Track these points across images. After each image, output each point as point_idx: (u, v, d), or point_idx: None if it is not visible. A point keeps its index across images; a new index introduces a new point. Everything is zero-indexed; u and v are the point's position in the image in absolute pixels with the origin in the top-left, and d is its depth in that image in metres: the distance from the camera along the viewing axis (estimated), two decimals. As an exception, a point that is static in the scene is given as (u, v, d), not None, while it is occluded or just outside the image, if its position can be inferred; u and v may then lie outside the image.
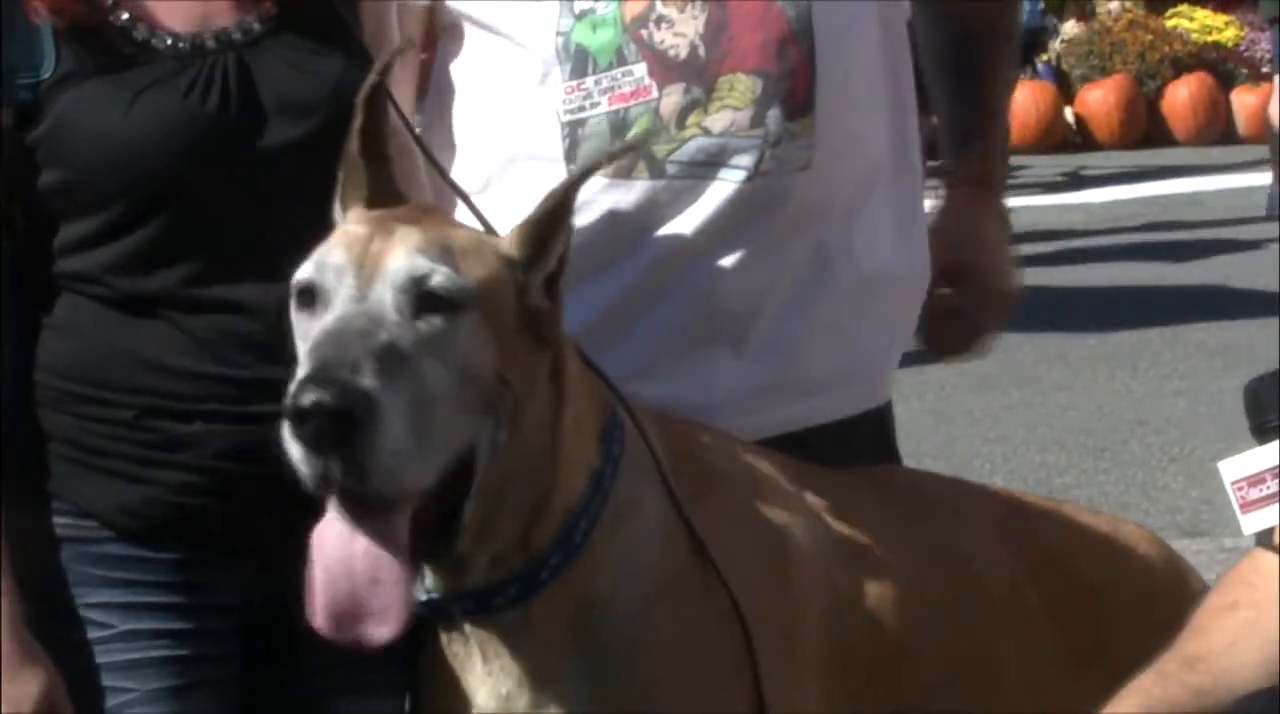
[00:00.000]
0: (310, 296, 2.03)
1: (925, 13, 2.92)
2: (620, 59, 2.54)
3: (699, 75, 2.53)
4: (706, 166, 2.53)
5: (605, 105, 2.54)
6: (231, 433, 2.22)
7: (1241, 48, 16.48)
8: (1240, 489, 1.95)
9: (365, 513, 1.98)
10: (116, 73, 2.22)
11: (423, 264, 2.01)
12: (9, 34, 2.21)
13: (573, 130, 2.55)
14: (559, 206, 2.13)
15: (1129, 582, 2.60)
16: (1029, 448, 6.03)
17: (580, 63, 2.55)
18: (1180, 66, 15.92)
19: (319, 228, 2.20)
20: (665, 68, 2.54)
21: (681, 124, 2.53)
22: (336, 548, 1.98)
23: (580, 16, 2.56)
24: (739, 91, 2.54)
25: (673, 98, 2.53)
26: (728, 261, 2.53)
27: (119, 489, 2.23)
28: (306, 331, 2.03)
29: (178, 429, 2.22)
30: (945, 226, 2.86)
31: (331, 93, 2.26)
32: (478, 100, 2.63)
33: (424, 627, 2.21)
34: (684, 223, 2.53)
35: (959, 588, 2.46)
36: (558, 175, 2.42)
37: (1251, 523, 1.95)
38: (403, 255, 2.01)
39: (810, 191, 2.55)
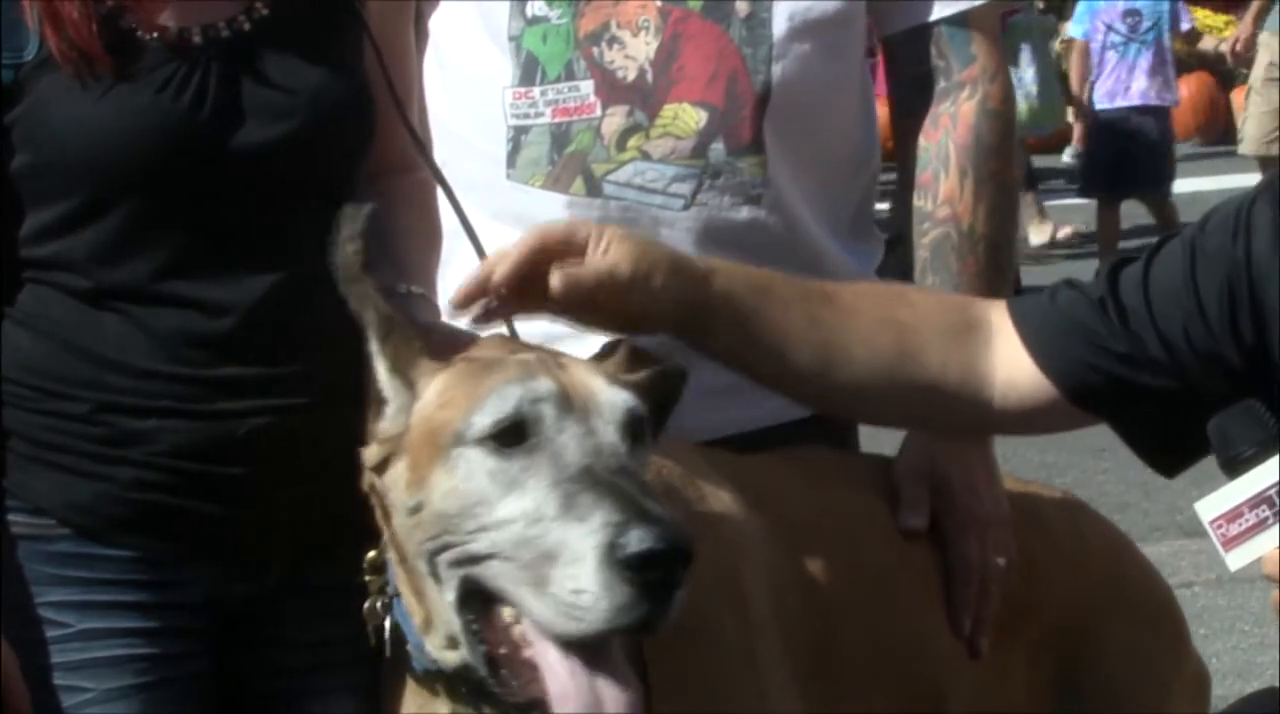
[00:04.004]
0: (515, 434, 1.96)
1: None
2: (569, 73, 2.57)
3: (644, 100, 2.55)
4: (642, 190, 2.54)
5: (549, 117, 2.57)
6: (187, 430, 2.20)
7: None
8: (1220, 526, 1.90)
9: (611, 648, 1.94)
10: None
11: (630, 397, 2.01)
12: None
13: (516, 136, 2.58)
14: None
15: (1048, 544, 2.61)
16: (1029, 447, 5.97)
17: (530, 71, 2.57)
18: (1180, 66, 15.84)
19: (288, 231, 2.20)
20: (611, 88, 2.56)
21: (621, 146, 2.55)
22: (592, 688, 1.92)
23: (532, 22, 2.58)
24: (682, 121, 2.56)
25: (615, 119, 2.55)
26: None
27: (71, 485, 2.21)
28: (514, 471, 1.94)
29: (132, 425, 2.19)
30: (936, 474, 2.57)
31: (310, 99, 2.22)
32: (444, 70, 2.63)
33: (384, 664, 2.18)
34: None
35: (887, 557, 2.48)
36: (498, 175, 2.53)
37: (1236, 559, 1.89)
38: (608, 390, 2.01)
39: (758, 222, 2.57)
